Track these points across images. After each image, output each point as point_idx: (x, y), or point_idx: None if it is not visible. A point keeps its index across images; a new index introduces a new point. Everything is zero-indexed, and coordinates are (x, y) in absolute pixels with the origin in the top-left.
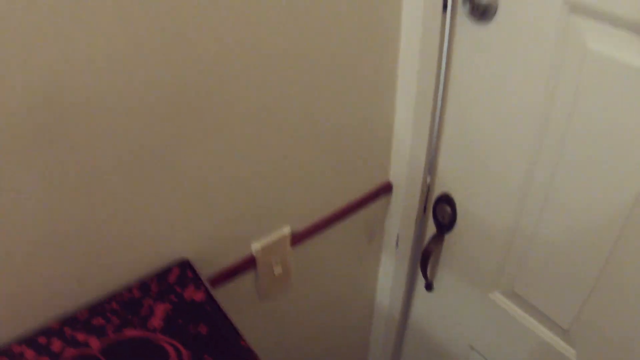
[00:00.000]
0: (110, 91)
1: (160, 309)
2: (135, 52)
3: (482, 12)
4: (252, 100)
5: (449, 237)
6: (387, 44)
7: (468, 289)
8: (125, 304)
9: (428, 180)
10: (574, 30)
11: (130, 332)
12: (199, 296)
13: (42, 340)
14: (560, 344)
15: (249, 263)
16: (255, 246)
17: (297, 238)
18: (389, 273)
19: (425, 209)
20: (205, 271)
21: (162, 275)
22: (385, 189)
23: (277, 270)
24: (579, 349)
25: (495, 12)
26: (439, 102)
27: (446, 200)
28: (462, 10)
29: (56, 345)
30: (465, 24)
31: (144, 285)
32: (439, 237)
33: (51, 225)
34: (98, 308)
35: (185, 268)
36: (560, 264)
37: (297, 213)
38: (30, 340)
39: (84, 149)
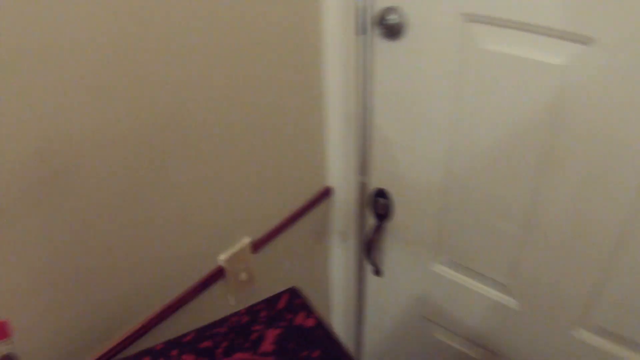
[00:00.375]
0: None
1: (271, 334)
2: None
3: (392, 33)
4: (208, 138)
5: (389, 225)
6: (312, 68)
7: (413, 266)
8: (234, 328)
9: (363, 179)
10: (470, 36)
11: (240, 356)
12: (309, 322)
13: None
14: (503, 298)
15: (218, 273)
16: (222, 258)
17: (257, 246)
18: (340, 266)
19: (363, 204)
20: (182, 284)
21: (271, 302)
22: (326, 193)
23: (242, 276)
24: (520, 299)
25: (401, 32)
26: (365, 113)
27: (381, 194)
28: (376, 32)
29: None
30: (380, 43)
31: (252, 311)
32: (379, 226)
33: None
34: (205, 332)
35: (294, 295)
36: (487, 228)
37: (254, 224)
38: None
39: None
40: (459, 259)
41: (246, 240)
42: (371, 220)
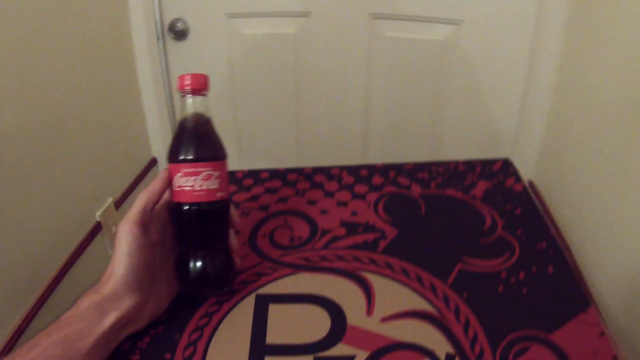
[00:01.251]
0: None
1: (483, 185)
2: None
3: (180, 36)
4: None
5: None
6: (128, 68)
7: None
8: (450, 172)
9: None
10: (377, 27)
11: (451, 192)
12: (518, 187)
13: (363, 172)
14: None
15: (98, 227)
16: (98, 214)
17: (117, 205)
18: None
19: None
20: (77, 236)
21: (486, 163)
22: (153, 162)
23: (113, 229)
24: None
25: (187, 35)
26: (169, 96)
27: None
28: (170, 37)
29: (377, 179)
30: (172, 43)
31: (469, 164)
32: None
33: None
34: (424, 166)
35: (507, 164)
36: None
37: (113, 187)
38: (353, 169)
39: None
40: None
41: (110, 200)
42: None
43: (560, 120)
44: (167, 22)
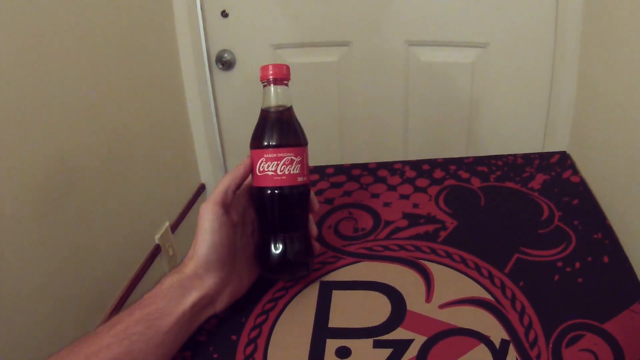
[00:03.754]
0: None
1: (540, 177)
2: None
3: (227, 66)
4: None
5: None
6: (177, 96)
7: None
8: (509, 165)
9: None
10: (412, 54)
11: (510, 184)
12: (575, 179)
13: (425, 166)
14: None
15: (157, 249)
16: (157, 237)
17: (173, 227)
18: None
19: None
20: (138, 259)
21: (544, 156)
22: (202, 188)
23: (170, 251)
24: None
25: (233, 65)
26: (218, 124)
27: None
28: (218, 67)
29: (438, 173)
30: (220, 73)
31: (527, 157)
32: None
33: None
34: (483, 160)
35: (565, 156)
36: None
37: (169, 211)
38: (415, 164)
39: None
40: None
41: (167, 224)
42: None
43: (583, 133)
44: (214, 54)
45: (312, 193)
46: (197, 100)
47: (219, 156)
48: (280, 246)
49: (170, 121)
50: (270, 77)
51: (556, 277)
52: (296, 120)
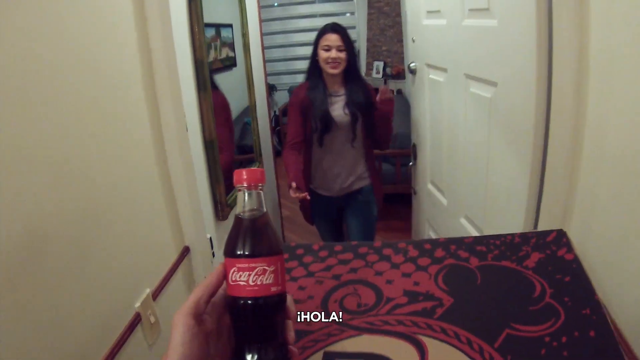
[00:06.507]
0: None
1: (536, 256)
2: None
3: None
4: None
5: None
6: (159, 157)
7: None
8: (507, 244)
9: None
10: (466, 85)
11: (506, 263)
12: (569, 256)
13: (427, 246)
14: None
15: (137, 317)
16: (137, 305)
17: (154, 295)
18: None
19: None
20: (118, 327)
21: (541, 234)
22: (186, 250)
23: (152, 319)
24: None
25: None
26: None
27: None
28: None
29: (439, 253)
30: None
31: (524, 236)
32: None
33: None
34: (482, 240)
35: (561, 234)
36: None
37: (150, 278)
38: (418, 243)
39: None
40: None
41: (147, 291)
42: None
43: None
44: None
45: (289, 299)
46: (180, 162)
47: (203, 217)
48: (255, 356)
49: (152, 183)
50: (244, 182)
51: (543, 351)
52: (271, 227)
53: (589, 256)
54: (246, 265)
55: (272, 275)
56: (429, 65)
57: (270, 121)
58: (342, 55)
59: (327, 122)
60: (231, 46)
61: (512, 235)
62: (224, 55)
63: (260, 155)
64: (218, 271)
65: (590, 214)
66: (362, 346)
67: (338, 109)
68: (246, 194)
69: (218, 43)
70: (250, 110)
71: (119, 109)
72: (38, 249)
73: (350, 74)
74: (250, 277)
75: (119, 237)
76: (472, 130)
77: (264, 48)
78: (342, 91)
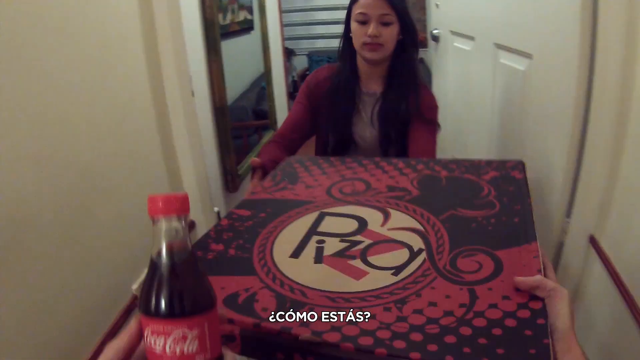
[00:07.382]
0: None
1: (493, 173)
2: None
3: None
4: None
5: None
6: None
7: None
8: (474, 165)
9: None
10: (496, 55)
11: (467, 176)
12: (519, 176)
13: (412, 162)
14: None
15: (135, 300)
16: (134, 287)
17: None
18: None
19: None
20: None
21: (502, 161)
22: (191, 225)
23: None
24: None
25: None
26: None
27: None
28: None
29: (420, 166)
30: None
31: (489, 162)
32: None
33: None
34: (455, 161)
35: (519, 164)
36: None
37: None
38: (407, 160)
39: None
40: None
41: (146, 271)
42: None
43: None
44: None
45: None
46: (182, 123)
47: (210, 189)
48: None
49: (153, 148)
50: (160, 213)
51: (473, 225)
52: (196, 272)
53: (625, 259)
54: (161, 327)
55: (197, 341)
56: (453, 33)
57: (287, 87)
58: (388, 31)
59: (345, 143)
60: (249, 9)
61: (480, 160)
62: (241, 17)
63: (275, 122)
64: (131, 329)
65: (630, 214)
66: (347, 211)
67: (363, 124)
68: (163, 227)
69: (235, 5)
70: (265, 74)
71: (114, 70)
72: (23, 225)
73: (401, 64)
74: (167, 345)
75: (114, 213)
76: (501, 105)
77: (281, 11)
78: (380, 91)
